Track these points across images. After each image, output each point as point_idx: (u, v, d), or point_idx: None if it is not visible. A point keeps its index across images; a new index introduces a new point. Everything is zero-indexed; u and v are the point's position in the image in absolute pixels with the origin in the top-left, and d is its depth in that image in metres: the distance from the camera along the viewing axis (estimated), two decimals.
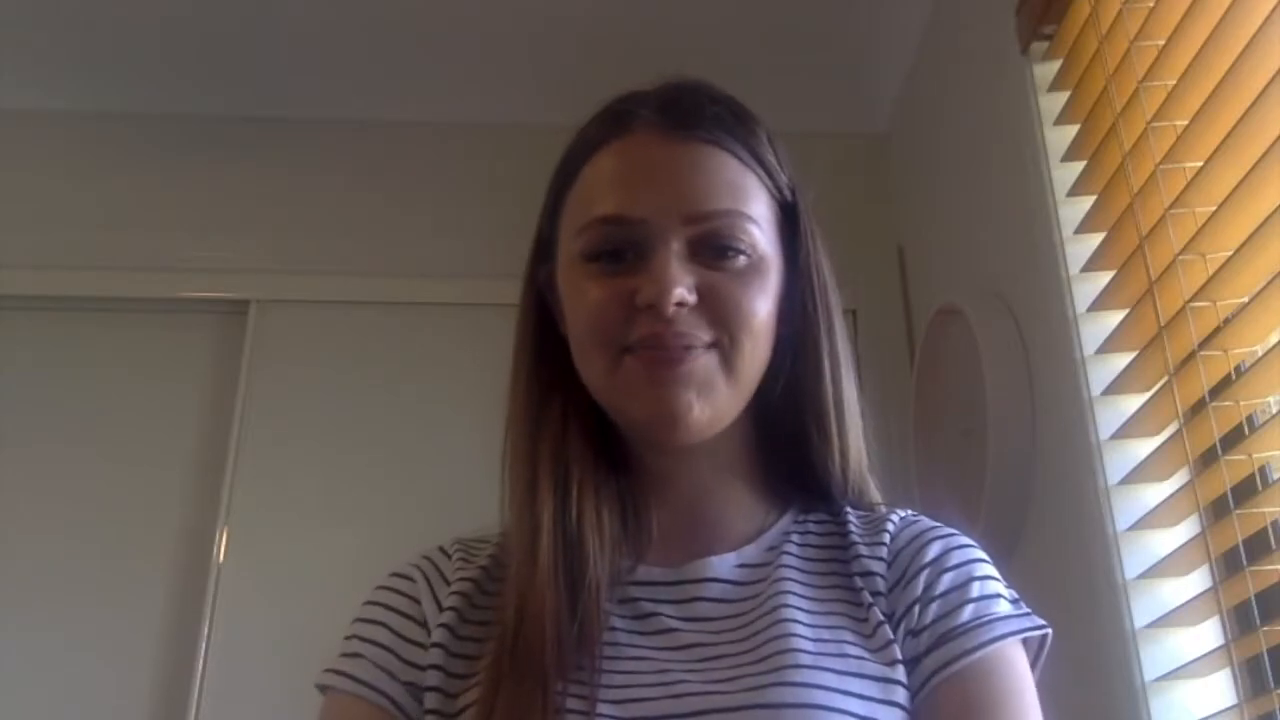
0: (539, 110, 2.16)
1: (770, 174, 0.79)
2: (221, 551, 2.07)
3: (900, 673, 0.69)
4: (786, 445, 0.81)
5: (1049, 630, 0.74)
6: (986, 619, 0.72)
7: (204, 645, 1.99)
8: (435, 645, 0.73)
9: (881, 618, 0.72)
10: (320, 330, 2.27)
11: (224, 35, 2.22)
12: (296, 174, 2.40)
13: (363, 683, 0.73)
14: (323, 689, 0.75)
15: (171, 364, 2.26)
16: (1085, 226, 1.44)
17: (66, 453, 2.16)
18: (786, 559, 0.76)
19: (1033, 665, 0.73)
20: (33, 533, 2.08)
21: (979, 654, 0.70)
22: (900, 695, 0.68)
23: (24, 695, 1.97)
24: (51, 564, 2.06)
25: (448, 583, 0.77)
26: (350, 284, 2.30)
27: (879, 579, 0.74)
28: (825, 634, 0.70)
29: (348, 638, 0.77)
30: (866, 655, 0.70)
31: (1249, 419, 1.15)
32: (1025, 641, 0.73)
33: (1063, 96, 1.52)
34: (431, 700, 0.71)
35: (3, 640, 2.01)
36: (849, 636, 0.71)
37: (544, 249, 0.83)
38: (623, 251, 0.74)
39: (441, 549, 0.81)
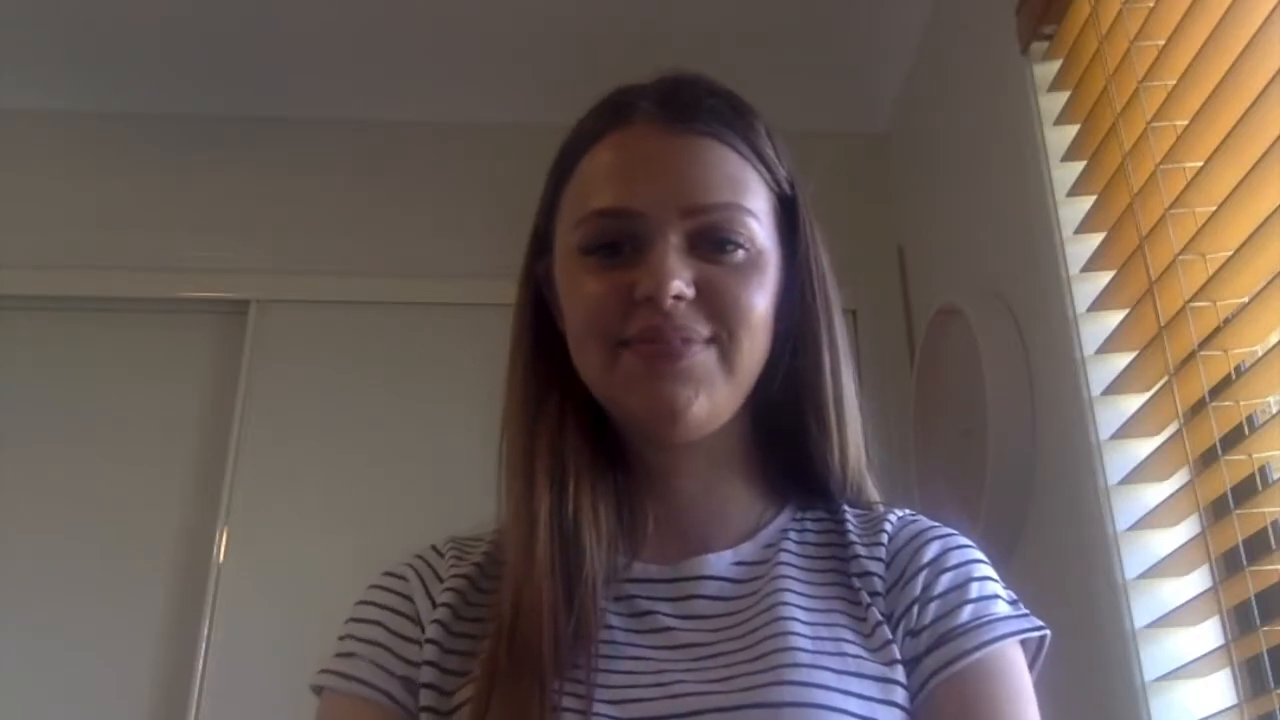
0: (539, 110, 2.16)
1: (769, 167, 0.78)
2: (221, 551, 2.07)
3: (899, 673, 0.69)
4: (785, 440, 0.81)
5: (1047, 631, 0.74)
6: (985, 619, 0.72)
7: (204, 645, 1.99)
8: (430, 641, 0.73)
9: (880, 617, 0.72)
10: (320, 330, 2.27)
11: (224, 35, 2.23)
12: (296, 174, 2.40)
13: (359, 680, 0.73)
14: (318, 690, 0.75)
15: (171, 364, 2.26)
16: (1085, 226, 1.44)
17: (66, 453, 2.16)
18: (784, 557, 0.76)
19: (1031, 666, 0.73)
20: (33, 533, 2.08)
21: (978, 655, 0.70)
22: (899, 695, 0.68)
23: (24, 695, 1.97)
24: (51, 564, 2.06)
25: (441, 580, 0.77)
26: (350, 284, 2.30)
27: (877, 579, 0.74)
28: (824, 632, 0.70)
29: (342, 638, 0.76)
30: (865, 655, 0.69)
31: (1249, 419, 1.15)
32: (1024, 643, 0.73)
33: (1063, 96, 1.52)
34: (427, 697, 0.71)
35: (3, 640, 2.01)
36: (848, 635, 0.70)
37: (541, 243, 0.83)
38: (620, 245, 0.74)
39: (434, 548, 0.81)
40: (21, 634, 2.01)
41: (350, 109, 2.41)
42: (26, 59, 2.30)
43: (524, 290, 0.84)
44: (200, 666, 1.98)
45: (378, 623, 0.76)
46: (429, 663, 0.72)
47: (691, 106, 0.77)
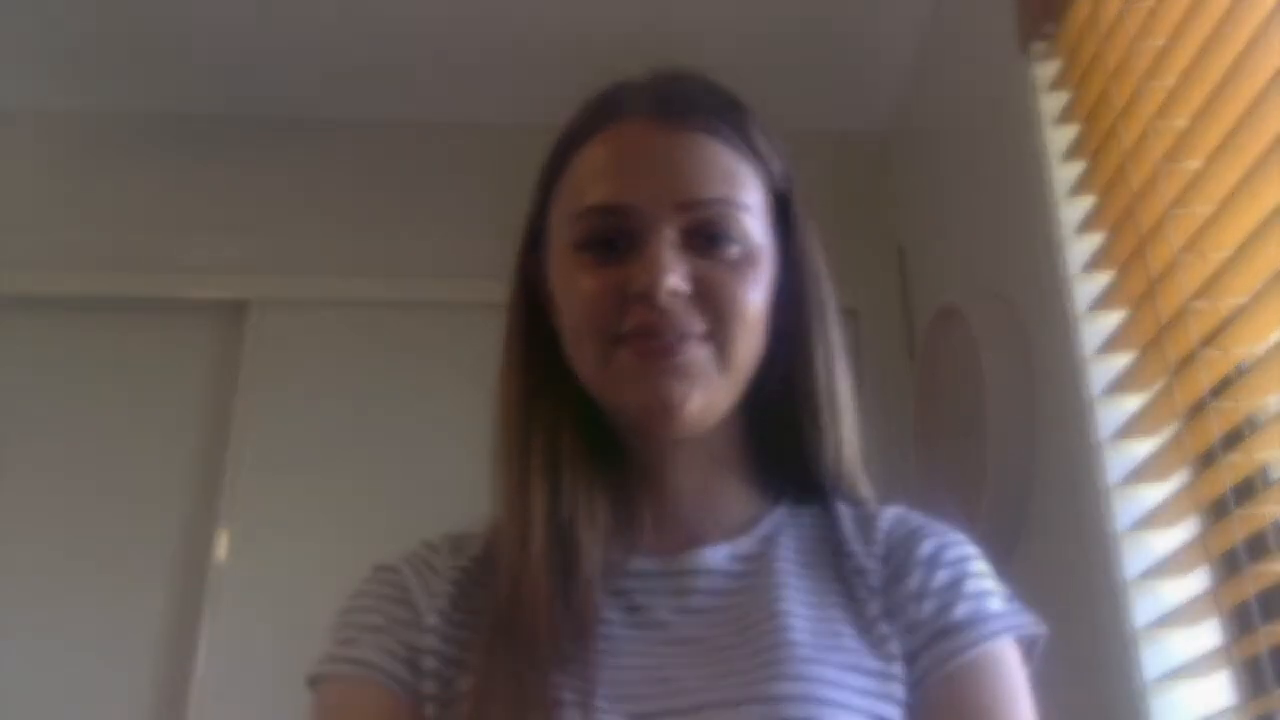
0: (539, 111, 2.16)
1: (763, 163, 0.78)
2: (221, 551, 2.07)
3: (897, 668, 0.69)
4: (779, 437, 0.81)
5: (1043, 628, 0.74)
6: (980, 616, 0.72)
7: (204, 645, 1.99)
8: (430, 630, 0.73)
9: (877, 613, 0.72)
10: (320, 330, 2.27)
11: (224, 35, 2.22)
12: (296, 174, 2.40)
13: (364, 664, 0.72)
14: (317, 680, 0.74)
15: (171, 364, 2.26)
16: (1086, 226, 1.44)
17: (66, 453, 2.16)
18: (781, 552, 0.76)
19: (1025, 663, 0.73)
20: (32, 533, 2.08)
21: (973, 652, 0.70)
22: (897, 690, 0.69)
23: (24, 695, 1.97)
24: (52, 564, 2.06)
25: (437, 572, 0.77)
26: (350, 284, 2.30)
27: (873, 575, 0.74)
28: (822, 627, 0.70)
29: (340, 627, 0.76)
30: (864, 650, 0.70)
31: (1249, 419, 1.15)
32: (1019, 639, 0.73)
33: (1063, 96, 1.52)
34: (430, 685, 0.71)
35: (3, 640, 2.01)
36: (846, 630, 0.71)
37: (535, 239, 0.82)
38: (615, 241, 0.74)
39: (427, 544, 0.81)
40: (21, 634, 2.01)
41: (351, 109, 2.41)
42: (26, 59, 2.30)
43: (517, 287, 0.83)
44: (200, 666, 1.98)
45: (377, 610, 0.75)
46: (431, 651, 0.72)
47: (686, 103, 0.77)
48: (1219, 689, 1.19)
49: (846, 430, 0.81)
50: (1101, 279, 1.39)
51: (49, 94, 2.39)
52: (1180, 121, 1.24)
